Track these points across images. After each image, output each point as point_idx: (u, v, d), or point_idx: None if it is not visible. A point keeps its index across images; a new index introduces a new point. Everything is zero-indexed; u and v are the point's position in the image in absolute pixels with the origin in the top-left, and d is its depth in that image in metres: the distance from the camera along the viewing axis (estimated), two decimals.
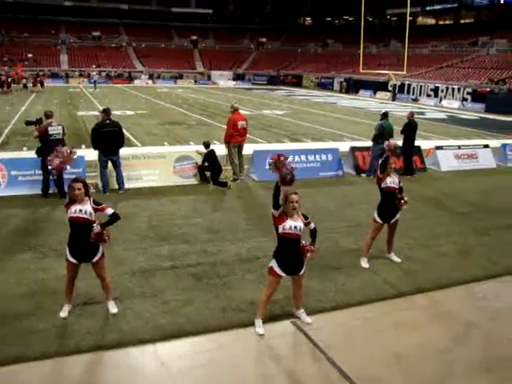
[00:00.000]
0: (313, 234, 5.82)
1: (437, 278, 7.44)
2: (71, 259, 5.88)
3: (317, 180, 13.53)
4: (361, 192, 12.33)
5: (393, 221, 7.77)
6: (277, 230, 5.67)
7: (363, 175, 14.32)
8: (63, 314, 5.99)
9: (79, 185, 5.77)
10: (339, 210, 10.80)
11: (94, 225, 5.78)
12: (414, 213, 10.20)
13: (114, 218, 5.97)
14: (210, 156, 12.64)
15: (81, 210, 5.75)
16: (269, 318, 6.02)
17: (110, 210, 5.96)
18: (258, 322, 5.86)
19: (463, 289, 7.23)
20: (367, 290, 6.94)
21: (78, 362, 5.18)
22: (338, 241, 8.83)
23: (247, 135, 13.75)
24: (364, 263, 7.78)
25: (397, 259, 8.00)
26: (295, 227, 5.60)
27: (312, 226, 5.79)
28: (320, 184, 13.15)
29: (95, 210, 5.84)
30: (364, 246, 7.91)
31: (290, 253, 5.68)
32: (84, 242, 5.79)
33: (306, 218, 5.74)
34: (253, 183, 13.15)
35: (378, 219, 7.72)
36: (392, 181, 7.63)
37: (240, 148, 13.30)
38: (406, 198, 7.68)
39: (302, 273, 5.84)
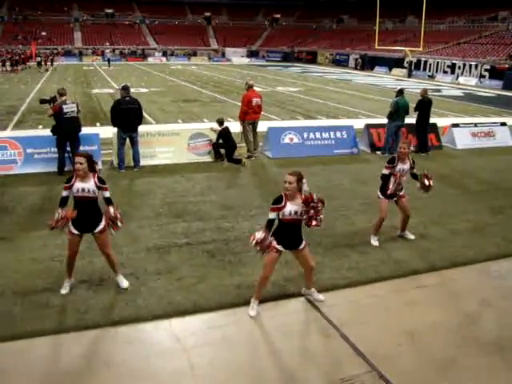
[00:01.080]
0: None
1: (451, 256, 7.40)
2: (73, 230, 5.85)
3: (331, 157, 13.46)
4: (375, 170, 12.11)
5: (396, 198, 7.71)
6: (277, 214, 5.53)
7: (378, 153, 14.21)
8: (64, 290, 6.02)
9: (81, 159, 5.74)
10: (353, 187, 10.75)
11: (111, 208, 5.90)
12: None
13: (109, 202, 6.01)
14: (225, 133, 12.60)
15: (83, 190, 5.76)
16: (283, 295, 6.04)
17: (107, 193, 5.96)
18: (254, 303, 5.76)
19: (477, 267, 7.18)
20: (380, 267, 6.93)
21: (94, 336, 5.25)
22: (351, 218, 8.80)
23: (262, 112, 13.68)
24: (374, 241, 7.74)
25: (411, 236, 7.95)
26: (295, 212, 5.46)
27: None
28: (334, 161, 13.08)
29: (98, 188, 5.84)
30: (376, 224, 7.80)
31: (289, 233, 5.60)
32: (88, 215, 5.86)
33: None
34: (267, 160, 13.12)
35: (381, 196, 7.68)
36: (401, 168, 7.54)
37: (254, 125, 13.24)
38: (426, 182, 7.61)
39: (301, 247, 5.71)
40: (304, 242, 5.75)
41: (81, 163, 5.71)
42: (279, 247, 5.62)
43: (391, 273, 6.79)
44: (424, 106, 14.41)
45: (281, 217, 5.50)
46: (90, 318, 5.51)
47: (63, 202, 5.85)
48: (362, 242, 7.77)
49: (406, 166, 7.60)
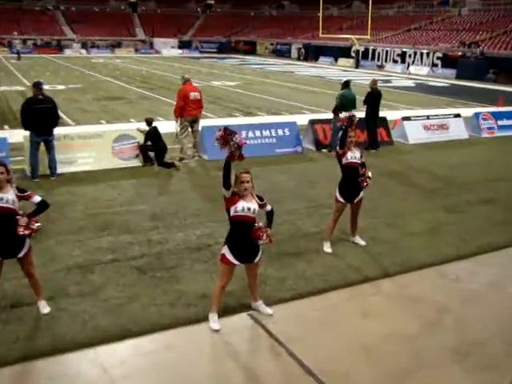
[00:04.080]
0: (269, 216, 5.84)
1: (405, 260, 7.60)
2: None
3: (273, 157, 13.60)
4: (322, 169, 12.45)
5: (356, 200, 7.84)
6: (228, 212, 5.67)
7: (324, 151, 14.48)
8: None
9: (1, 168, 5.55)
10: (298, 189, 10.89)
11: (19, 216, 5.61)
12: (379, 190, 10.38)
13: (43, 206, 5.83)
14: (153, 134, 12.50)
15: (1, 199, 5.52)
16: (223, 312, 6.02)
17: (37, 198, 5.80)
18: (213, 316, 5.85)
19: (434, 270, 7.41)
20: (330, 276, 7.03)
21: (7, 374, 5.04)
22: (297, 224, 8.91)
23: (203, 109, 13.70)
24: (326, 248, 7.85)
25: (361, 242, 8.10)
26: (248, 209, 5.60)
27: (268, 207, 5.81)
28: (277, 162, 13.21)
29: (19, 199, 5.64)
30: (326, 229, 7.99)
31: (243, 238, 5.66)
32: (7, 235, 5.59)
33: (261, 199, 5.74)
34: (203, 163, 13.10)
35: (340, 198, 7.77)
36: (353, 156, 7.66)
37: (194, 123, 13.25)
38: (369, 174, 7.75)
39: (257, 260, 5.85)
40: (260, 254, 5.85)
41: (1, 172, 5.50)
42: (233, 259, 5.70)
43: (341, 281, 6.91)
44: (373, 98, 14.77)
45: (233, 213, 5.58)
46: (1, 354, 5.30)
47: None
48: (309, 248, 7.89)
49: (358, 155, 7.72)
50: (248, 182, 5.59)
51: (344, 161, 7.66)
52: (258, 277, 6.07)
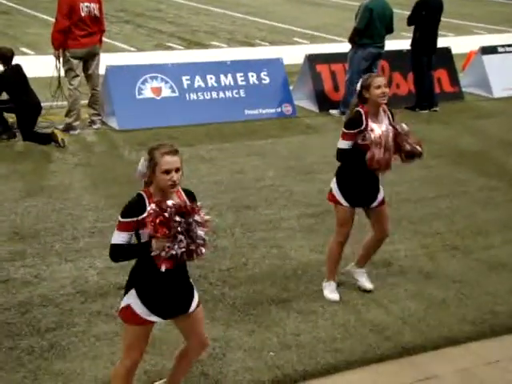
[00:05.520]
0: None
1: (484, 314, 7.52)
2: None
3: (240, 125, 13.70)
4: (328, 147, 12.35)
5: (375, 204, 7.72)
6: (138, 236, 5.39)
7: (334, 112, 14.58)
8: None
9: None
10: (286, 183, 10.93)
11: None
12: (437, 184, 10.36)
13: None
14: (13, 80, 12.45)
15: None
16: None
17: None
18: None
19: None
20: (343, 344, 6.96)
21: None
22: (284, 247, 8.89)
23: (103, 34, 13.69)
24: (329, 292, 7.82)
25: (367, 285, 7.98)
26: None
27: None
28: (247, 132, 13.32)
29: None
30: (327, 259, 7.93)
31: (170, 280, 5.51)
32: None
33: (190, 195, 5.57)
34: (109, 135, 13.18)
35: (343, 200, 7.62)
36: (371, 134, 7.46)
37: (90, 61, 13.23)
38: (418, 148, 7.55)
39: (192, 308, 5.69)
40: (197, 297, 5.72)
41: (177, 169, 5.39)
42: (146, 315, 5.54)
43: (365, 353, 6.84)
44: (427, 13, 14.67)
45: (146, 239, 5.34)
46: None
47: None
48: (304, 292, 7.89)
49: (384, 126, 7.57)
50: (178, 170, 5.37)
51: (359, 141, 7.56)
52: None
